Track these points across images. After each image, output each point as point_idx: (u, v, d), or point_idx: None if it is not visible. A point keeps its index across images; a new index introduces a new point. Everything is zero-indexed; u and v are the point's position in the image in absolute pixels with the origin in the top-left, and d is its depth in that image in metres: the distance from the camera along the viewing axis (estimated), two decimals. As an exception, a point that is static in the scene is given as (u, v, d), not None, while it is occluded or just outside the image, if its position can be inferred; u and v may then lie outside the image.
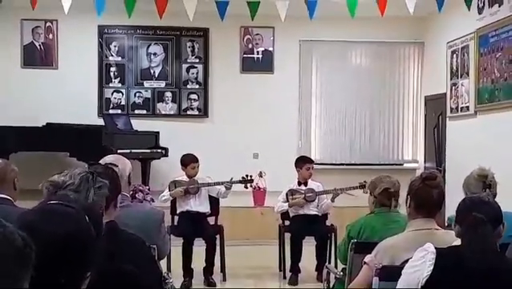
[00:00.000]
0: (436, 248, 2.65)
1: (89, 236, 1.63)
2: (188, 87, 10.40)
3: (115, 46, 10.25)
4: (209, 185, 7.01)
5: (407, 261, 2.81)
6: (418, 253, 2.70)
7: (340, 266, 4.72)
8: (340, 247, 4.44)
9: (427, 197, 3.32)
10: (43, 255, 1.33)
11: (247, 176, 7.39)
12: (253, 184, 7.91)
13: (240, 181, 7.27)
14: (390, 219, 4.05)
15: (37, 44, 10.11)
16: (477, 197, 3.00)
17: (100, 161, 3.55)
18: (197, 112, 10.41)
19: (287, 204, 7.06)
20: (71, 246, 1.55)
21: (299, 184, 7.15)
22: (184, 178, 7.00)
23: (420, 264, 2.63)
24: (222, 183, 7.03)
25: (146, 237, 3.09)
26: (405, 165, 10.49)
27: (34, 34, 10.08)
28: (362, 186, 6.65)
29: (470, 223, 2.64)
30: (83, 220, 1.64)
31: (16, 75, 10.00)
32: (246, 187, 7.56)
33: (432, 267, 2.59)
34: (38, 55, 10.13)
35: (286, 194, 7.10)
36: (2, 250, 0.98)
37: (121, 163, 3.68)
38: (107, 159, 3.72)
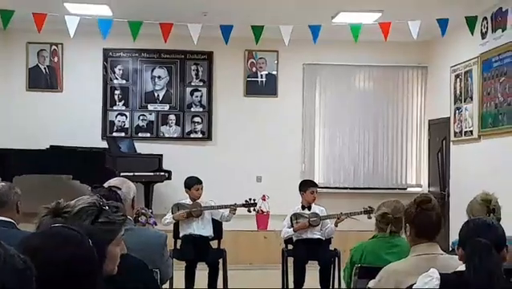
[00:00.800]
0: (440, 274, 2.63)
1: (92, 259, 1.62)
2: (192, 110, 10.43)
3: (119, 70, 10.30)
4: (212, 208, 6.99)
5: (411, 286, 2.79)
6: (422, 278, 2.67)
7: (344, 290, 4.69)
8: (345, 272, 4.41)
9: (427, 222, 3.27)
10: (46, 279, 1.32)
11: (250, 199, 7.37)
12: (257, 207, 7.87)
13: (243, 205, 7.23)
14: (391, 244, 4.01)
15: (42, 67, 10.17)
16: (480, 220, 2.98)
17: (105, 184, 3.55)
18: (200, 135, 10.43)
19: (292, 230, 7.03)
20: (74, 270, 1.54)
21: (303, 208, 7.11)
22: (188, 201, 6.97)
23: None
24: (226, 206, 7.01)
25: (149, 260, 3.08)
26: (409, 190, 10.44)
27: (39, 58, 10.14)
28: (366, 212, 6.62)
29: (475, 248, 2.62)
30: (86, 243, 1.63)
31: (21, 97, 10.05)
32: (250, 211, 7.52)
33: (436, 292, 2.57)
34: (43, 78, 10.18)
35: (291, 218, 7.06)
36: (1, 273, 0.98)
37: (125, 186, 3.69)
38: (113, 182, 3.72)
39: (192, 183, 7.02)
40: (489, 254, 2.60)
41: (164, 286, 3.93)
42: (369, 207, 6.48)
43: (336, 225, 6.96)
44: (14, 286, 0.96)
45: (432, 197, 3.50)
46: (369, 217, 6.33)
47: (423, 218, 3.27)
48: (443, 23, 7.77)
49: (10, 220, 3.78)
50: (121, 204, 2.75)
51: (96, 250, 1.65)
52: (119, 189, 3.48)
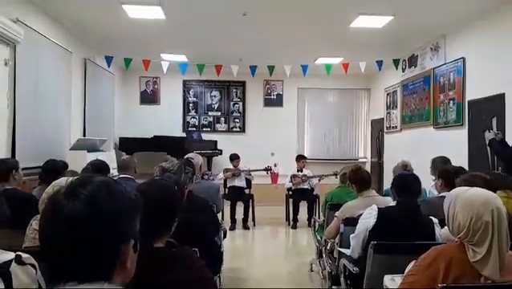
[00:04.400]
0: (378, 207, 2.62)
1: (177, 198, 1.63)
2: (234, 115, 10.41)
3: (192, 91, 10.31)
4: (245, 171, 7.02)
5: (360, 215, 2.78)
6: (367, 210, 2.66)
7: (322, 217, 4.67)
8: (322, 207, 4.40)
9: (363, 179, 3.29)
10: (149, 208, 1.32)
11: (268, 166, 7.42)
12: (272, 171, 7.89)
13: (264, 170, 7.30)
14: (348, 191, 4.00)
15: (148, 90, 10.20)
16: (408, 173, 2.95)
17: (185, 156, 3.58)
18: (238, 129, 10.40)
19: (291, 183, 7.03)
20: (166, 203, 1.56)
21: (298, 171, 7.12)
22: (232, 167, 7.03)
23: (369, 217, 2.60)
24: (254, 170, 7.05)
25: (209, 199, 3.10)
26: (360, 160, 10.33)
27: (146, 85, 10.19)
28: (334, 174, 6.60)
29: (401, 192, 2.61)
30: (174, 188, 1.65)
31: (136, 108, 10.12)
32: (267, 173, 7.57)
33: (375, 219, 2.56)
34: (149, 97, 10.22)
35: (291, 177, 7.08)
36: (125, 200, 0.98)
37: (196, 158, 3.71)
38: (189, 155, 3.76)
39: (233, 157, 7.06)
40: (408, 196, 2.58)
41: (218, 215, 3.95)
42: (335, 171, 6.46)
43: (319, 181, 6.95)
44: (128, 209, 0.97)
45: (360, 165, 3.51)
46: (336, 177, 6.32)
47: (360, 178, 3.28)
48: (379, 63, 7.68)
49: (131, 176, 3.85)
50: (193, 166, 2.78)
51: (179, 192, 1.66)
52: (193, 159, 3.51)
